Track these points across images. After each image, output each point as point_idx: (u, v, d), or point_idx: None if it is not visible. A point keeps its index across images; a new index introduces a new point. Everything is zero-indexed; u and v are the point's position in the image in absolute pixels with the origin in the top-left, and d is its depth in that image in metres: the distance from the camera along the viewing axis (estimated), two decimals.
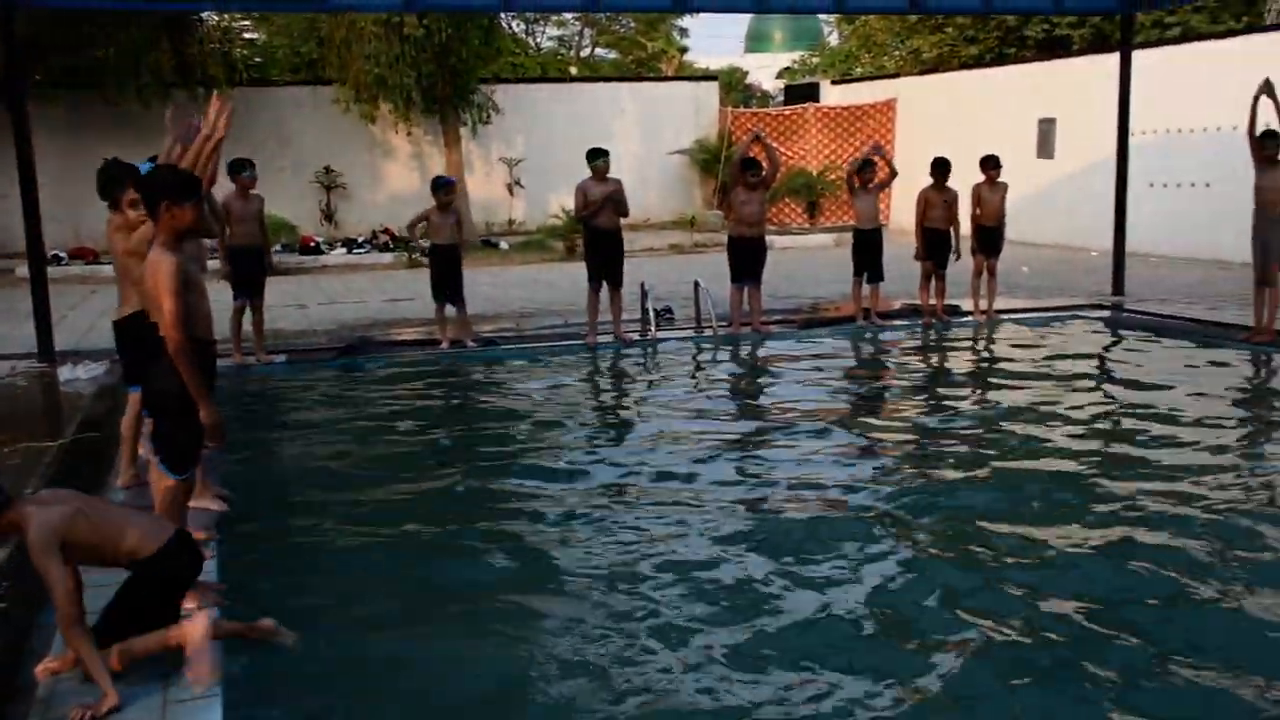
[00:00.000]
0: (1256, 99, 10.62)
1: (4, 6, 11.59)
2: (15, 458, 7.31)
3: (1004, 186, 12.81)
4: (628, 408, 9.50)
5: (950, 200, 12.53)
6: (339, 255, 21.89)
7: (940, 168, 12.50)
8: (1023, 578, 5.38)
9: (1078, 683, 4.38)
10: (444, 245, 11.48)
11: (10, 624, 4.82)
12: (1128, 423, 8.39)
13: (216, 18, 23.22)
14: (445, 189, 11.48)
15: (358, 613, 5.19)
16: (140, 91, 20.79)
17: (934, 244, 12.56)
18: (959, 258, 12.75)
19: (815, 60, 40.58)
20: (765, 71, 44.21)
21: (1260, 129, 10.60)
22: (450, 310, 11.58)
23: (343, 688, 4.54)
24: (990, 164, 12.66)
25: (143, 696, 4.06)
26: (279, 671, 4.57)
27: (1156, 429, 8.03)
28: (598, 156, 11.52)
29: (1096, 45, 22.18)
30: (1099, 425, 8.33)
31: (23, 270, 13.61)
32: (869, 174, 12.79)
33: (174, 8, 17.01)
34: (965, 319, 12.92)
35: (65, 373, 10.37)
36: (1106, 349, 11.63)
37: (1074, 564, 5.55)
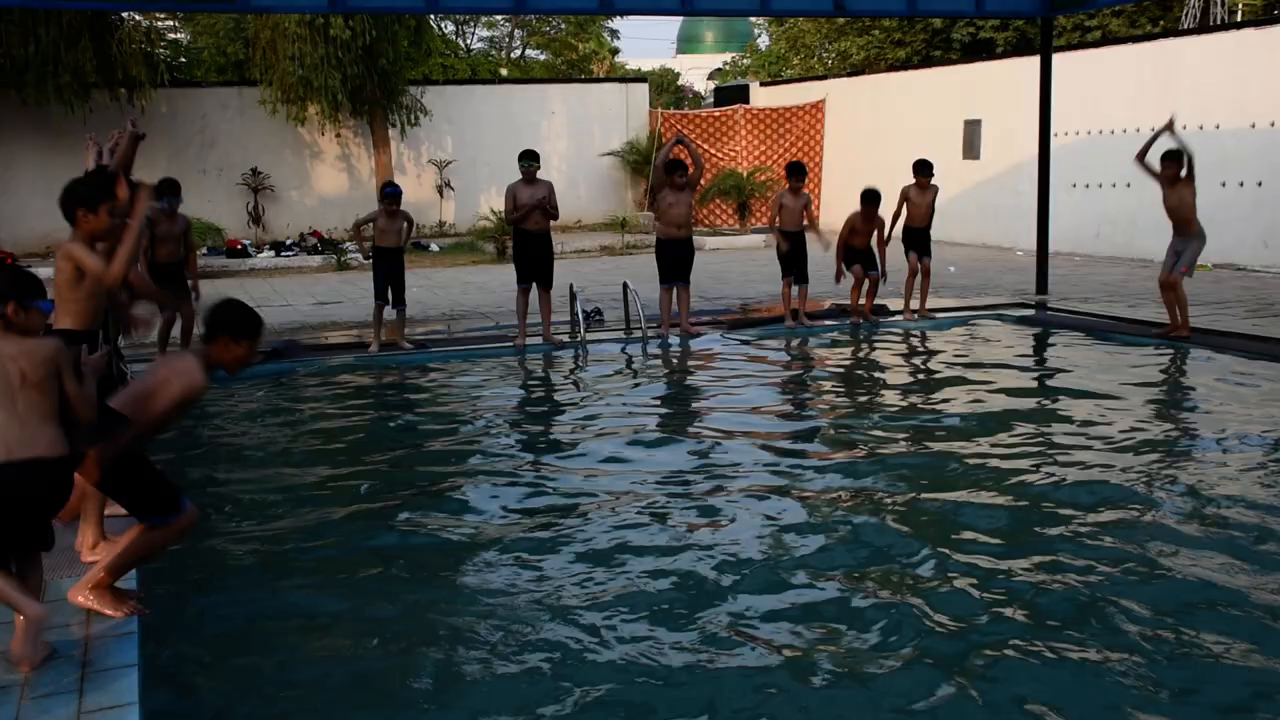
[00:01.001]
0: (1159, 134, 11.04)
1: None
2: None
3: (934, 190, 12.96)
4: (559, 409, 9.49)
5: (879, 227, 12.65)
6: (267, 258, 21.62)
7: (871, 200, 12.56)
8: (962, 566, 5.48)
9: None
10: (388, 249, 11.36)
11: None
12: (1045, 416, 8.55)
13: (139, 17, 22.79)
14: (391, 199, 11.35)
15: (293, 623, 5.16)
16: (60, 91, 20.36)
17: (855, 255, 12.67)
18: (886, 280, 12.90)
19: (746, 62, 40.90)
20: (697, 73, 44.51)
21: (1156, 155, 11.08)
22: (390, 314, 11.48)
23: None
24: (922, 169, 12.77)
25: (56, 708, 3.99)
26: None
27: (1075, 422, 8.21)
28: (528, 159, 11.47)
29: (1020, 48, 22.60)
30: (1018, 420, 8.48)
31: None
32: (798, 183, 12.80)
33: (91, 7, 16.65)
34: (894, 318, 13.06)
35: None
36: (1030, 347, 11.83)
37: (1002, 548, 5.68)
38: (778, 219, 12.66)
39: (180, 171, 23.65)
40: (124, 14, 21.21)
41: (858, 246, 12.60)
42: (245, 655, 4.81)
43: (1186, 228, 11.01)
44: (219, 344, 4.67)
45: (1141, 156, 11.20)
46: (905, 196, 12.91)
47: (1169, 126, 11.10)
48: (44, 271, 13.87)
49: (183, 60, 27.14)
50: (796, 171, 12.51)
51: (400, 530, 6.25)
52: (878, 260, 12.70)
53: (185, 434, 8.15)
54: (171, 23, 26.64)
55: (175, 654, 4.79)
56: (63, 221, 5.32)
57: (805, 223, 12.63)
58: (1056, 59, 15.27)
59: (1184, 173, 10.85)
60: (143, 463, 4.70)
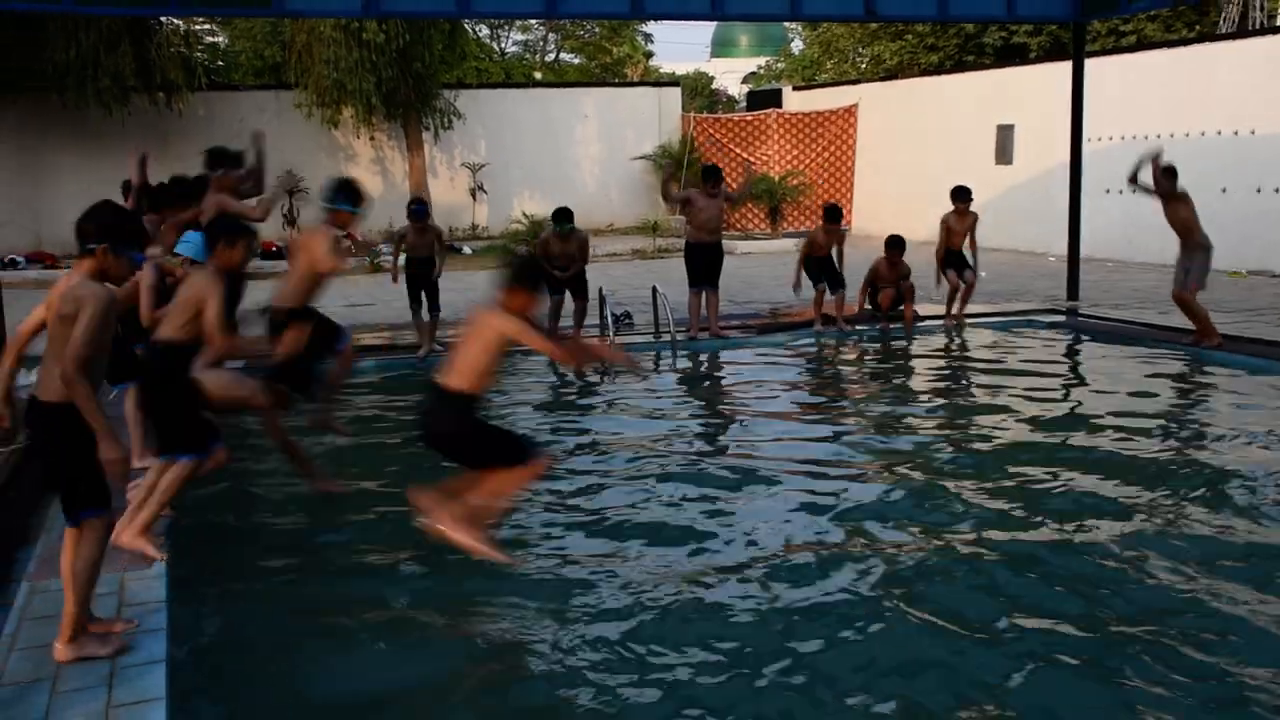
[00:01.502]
0: (1145, 159, 11.23)
1: None
2: None
3: (974, 216, 12.81)
4: (591, 411, 9.56)
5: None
6: None
7: (896, 246, 12.67)
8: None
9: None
10: (417, 259, 11.48)
11: None
12: (1075, 420, 8.55)
13: (177, 21, 23.11)
14: (417, 216, 11.45)
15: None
16: (100, 95, 20.66)
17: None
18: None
19: (780, 66, 40.87)
20: (731, 77, 44.51)
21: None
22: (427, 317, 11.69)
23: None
24: (960, 196, 12.66)
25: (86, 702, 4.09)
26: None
27: (1104, 425, 8.21)
28: (562, 220, 11.59)
29: (1053, 53, 22.47)
30: (1046, 422, 8.49)
31: None
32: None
33: (130, 12, 16.90)
34: (932, 322, 13.05)
35: (20, 379, 10.28)
36: (1061, 353, 11.79)
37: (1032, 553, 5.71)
38: (808, 249, 12.59)
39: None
40: (162, 18, 21.49)
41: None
42: (274, 661, 4.89)
43: (1190, 239, 11.04)
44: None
45: (1133, 179, 11.22)
46: (945, 225, 12.75)
47: (1156, 156, 11.08)
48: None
49: (220, 64, 27.45)
50: (833, 217, 12.39)
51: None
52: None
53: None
54: (209, 26, 26.96)
55: (203, 652, 4.88)
56: None
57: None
58: (1090, 63, 15.19)
59: (1178, 188, 10.86)
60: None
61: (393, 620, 5.19)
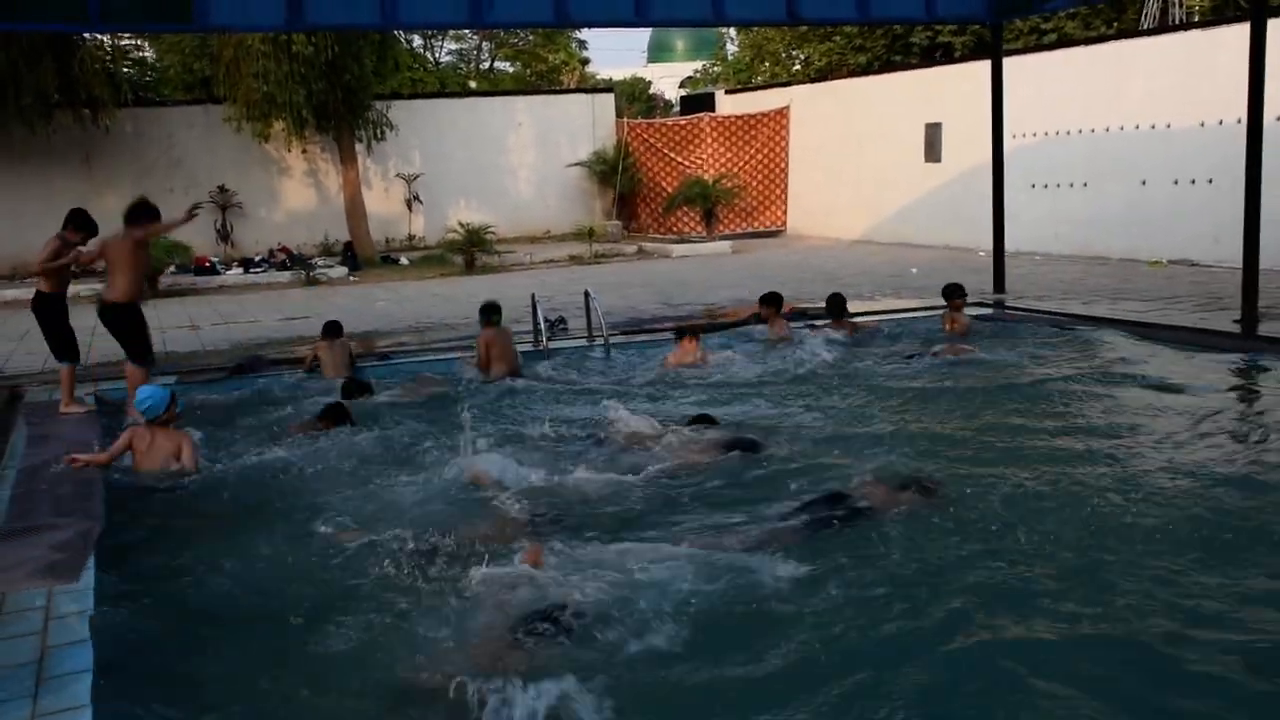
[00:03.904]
0: None
1: None
2: None
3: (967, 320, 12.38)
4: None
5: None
6: (236, 275, 21.67)
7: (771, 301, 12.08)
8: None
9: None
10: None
11: None
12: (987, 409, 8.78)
13: (101, 36, 22.85)
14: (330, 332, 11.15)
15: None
16: (23, 112, 20.35)
17: None
18: None
19: (716, 70, 41.16)
20: (669, 81, 44.71)
21: None
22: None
23: None
24: (955, 293, 12.26)
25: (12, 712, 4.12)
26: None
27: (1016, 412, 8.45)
28: (486, 313, 10.93)
29: (978, 51, 22.90)
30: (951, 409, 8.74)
31: None
32: None
33: (47, 29, 16.65)
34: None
35: None
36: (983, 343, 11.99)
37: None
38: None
39: (148, 190, 23.59)
40: (85, 34, 21.23)
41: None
42: (198, 669, 4.94)
43: None
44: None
45: None
46: (951, 320, 12.20)
47: None
48: (8, 293, 13.88)
49: (148, 79, 27.16)
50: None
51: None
52: None
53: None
54: (135, 41, 26.66)
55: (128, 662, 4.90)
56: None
57: None
58: (1013, 62, 15.56)
59: None
60: None
61: (318, 624, 5.24)
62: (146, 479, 7.41)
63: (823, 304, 12.68)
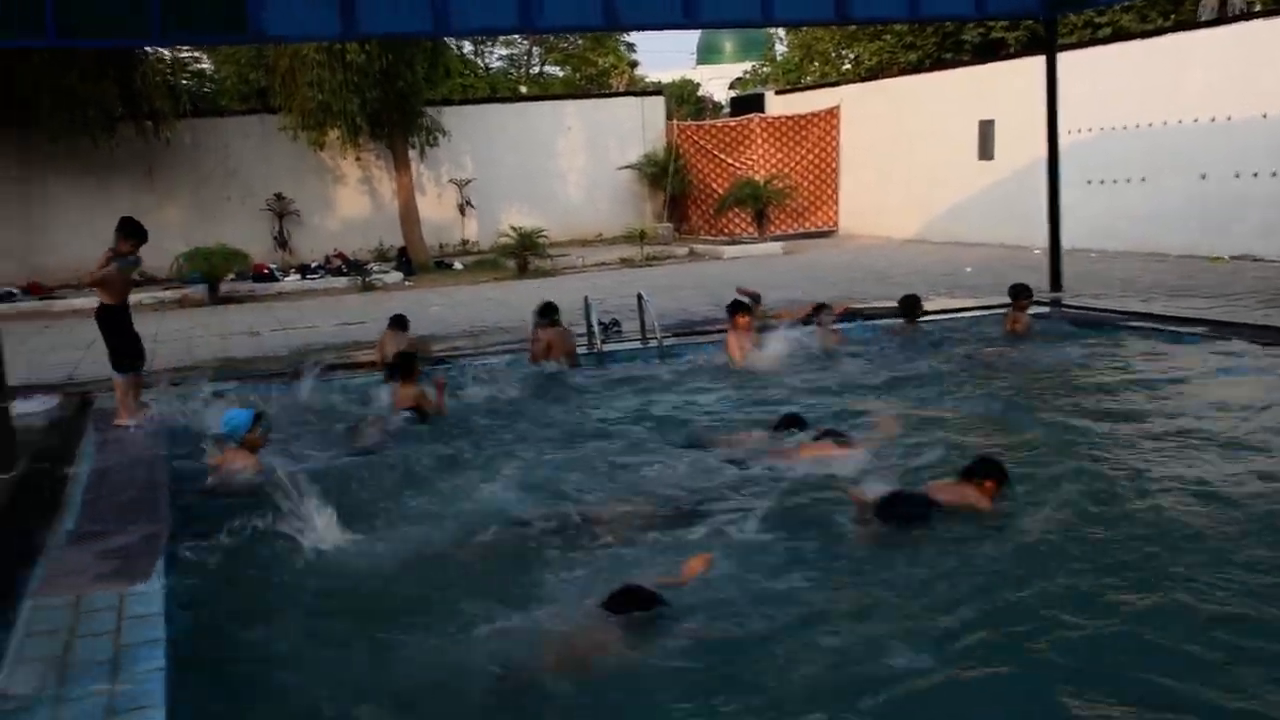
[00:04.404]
0: None
1: None
2: None
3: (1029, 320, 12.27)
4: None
5: None
6: (293, 281, 22.00)
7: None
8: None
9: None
10: None
11: None
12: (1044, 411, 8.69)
13: (162, 50, 23.28)
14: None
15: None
16: (87, 126, 20.81)
17: None
18: None
19: (765, 70, 41.07)
20: (718, 83, 44.64)
21: None
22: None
23: None
24: (1020, 293, 12.18)
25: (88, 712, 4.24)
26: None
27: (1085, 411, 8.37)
28: (543, 314, 11.25)
29: (1031, 47, 22.65)
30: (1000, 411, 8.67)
31: None
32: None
33: (111, 44, 17.03)
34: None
35: (18, 407, 10.44)
36: (1042, 345, 11.88)
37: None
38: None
39: (206, 199, 24.27)
40: (147, 48, 21.64)
41: None
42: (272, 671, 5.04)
43: None
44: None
45: None
46: (1014, 320, 12.16)
47: None
48: (75, 302, 14.11)
49: (206, 90, 27.61)
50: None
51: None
52: None
53: None
54: (194, 54, 27.13)
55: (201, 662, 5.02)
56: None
57: None
58: (1067, 56, 15.39)
59: None
60: None
61: (396, 623, 5.34)
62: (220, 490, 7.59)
63: (877, 304, 12.66)
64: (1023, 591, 5.30)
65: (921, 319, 12.31)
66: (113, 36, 12.56)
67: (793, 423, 8.13)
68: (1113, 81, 18.99)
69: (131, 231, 9.40)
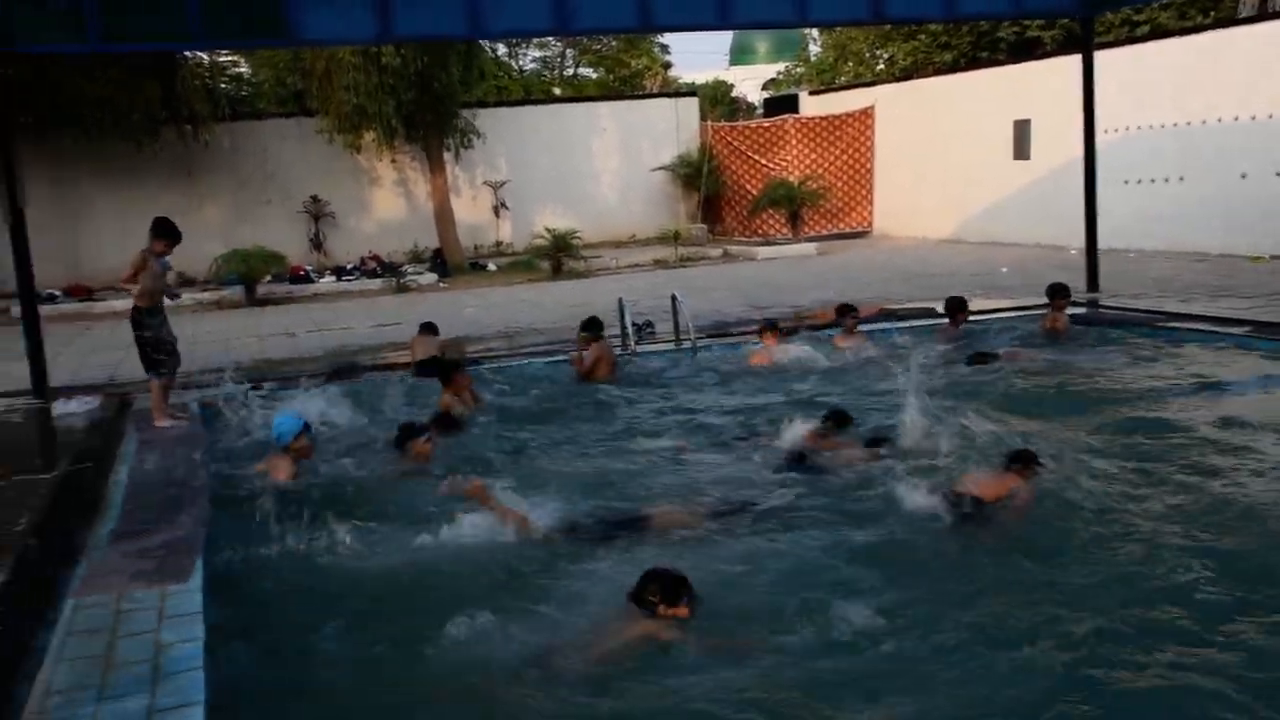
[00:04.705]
0: None
1: None
2: (10, 490, 7.55)
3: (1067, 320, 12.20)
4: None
5: None
6: (329, 283, 22.17)
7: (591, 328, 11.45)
8: None
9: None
10: None
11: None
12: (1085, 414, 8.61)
13: (201, 54, 23.53)
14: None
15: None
16: (129, 130, 21.09)
17: None
18: None
19: (799, 71, 40.94)
20: (751, 83, 44.52)
21: None
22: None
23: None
24: (1058, 293, 12.10)
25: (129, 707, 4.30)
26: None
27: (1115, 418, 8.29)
28: (588, 329, 11.20)
29: (1067, 46, 22.47)
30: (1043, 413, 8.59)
31: (17, 310, 13.86)
32: None
33: (152, 48, 17.26)
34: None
35: (59, 407, 10.61)
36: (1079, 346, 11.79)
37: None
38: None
39: (244, 201, 24.50)
40: (186, 52, 21.88)
41: None
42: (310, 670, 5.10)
43: None
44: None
45: None
46: (1053, 321, 12.07)
47: None
48: (116, 304, 14.24)
49: (244, 94, 27.87)
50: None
51: None
52: None
53: None
54: (232, 58, 27.38)
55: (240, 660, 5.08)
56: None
57: None
58: (1103, 55, 15.25)
59: None
60: None
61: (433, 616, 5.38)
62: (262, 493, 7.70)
63: (911, 305, 12.62)
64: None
65: (966, 322, 12.19)
66: (153, 41, 12.73)
67: (839, 419, 8.07)
68: (1150, 80, 18.80)
69: (165, 231, 9.36)
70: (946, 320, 12.18)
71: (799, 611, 5.23)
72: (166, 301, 9.84)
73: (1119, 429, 8.08)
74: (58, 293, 20.96)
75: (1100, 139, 15.07)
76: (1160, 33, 21.53)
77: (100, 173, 22.84)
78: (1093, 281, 14.77)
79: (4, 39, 11.35)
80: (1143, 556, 5.70)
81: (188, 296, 19.46)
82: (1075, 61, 15.09)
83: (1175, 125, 18.54)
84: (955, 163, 23.47)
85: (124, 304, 17.23)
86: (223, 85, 25.23)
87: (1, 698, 4.42)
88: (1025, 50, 25.73)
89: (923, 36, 29.02)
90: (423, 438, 8.02)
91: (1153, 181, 19.15)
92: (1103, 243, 15.23)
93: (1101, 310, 13.33)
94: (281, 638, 5.37)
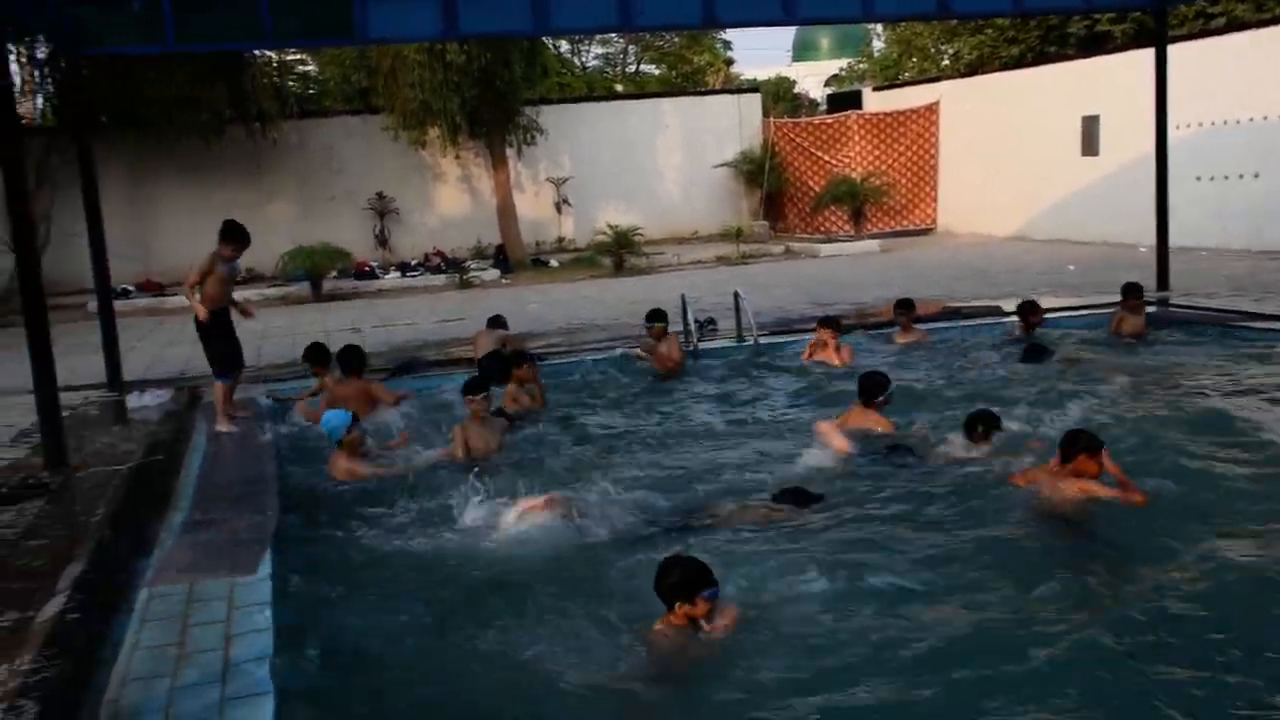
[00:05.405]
0: None
1: (70, 55, 12.08)
2: (87, 482, 7.74)
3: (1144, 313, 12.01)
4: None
5: None
6: (393, 279, 22.41)
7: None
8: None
9: None
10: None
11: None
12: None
13: (269, 53, 23.90)
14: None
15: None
16: (199, 128, 21.50)
17: None
18: None
19: (862, 67, 40.62)
20: (813, 80, 44.27)
21: None
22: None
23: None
24: (1130, 292, 11.90)
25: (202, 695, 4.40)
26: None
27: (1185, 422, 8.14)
28: (655, 319, 11.28)
29: (1138, 40, 22.08)
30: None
31: (94, 305, 14.20)
32: None
33: (224, 48, 17.57)
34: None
35: (133, 400, 10.85)
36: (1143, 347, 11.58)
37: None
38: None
39: (310, 198, 24.84)
40: (255, 51, 22.22)
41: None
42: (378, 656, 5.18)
43: None
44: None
45: None
46: (1120, 319, 11.87)
47: None
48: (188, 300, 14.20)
49: (310, 91, 28.25)
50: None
51: None
52: None
53: None
54: (299, 56, 27.77)
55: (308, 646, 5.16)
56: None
57: None
58: (1175, 49, 14.92)
59: None
60: None
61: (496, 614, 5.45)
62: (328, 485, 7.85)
63: (976, 303, 12.49)
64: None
65: (1040, 325, 11.95)
66: (226, 40, 12.97)
67: (985, 421, 7.57)
68: (1223, 74, 18.40)
69: (234, 235, 9.14)
70: (1016, 319, 12.01)
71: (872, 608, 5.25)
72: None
73: (1193, 429, 7.92)
74: (131, 288, 21.40)
75: (1172, 135, 14.78)
76: (1236, 25, 21.05)
77: (170, 171, 23.29)
78: (1163, 280, 14.50)
79: (86, 41, 11.66)
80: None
81: (254, 292, 19.80)
82: (1146, 56, 14.82)
83: (1250, 120, 18.15)
84: (1022, 159, 23.15)
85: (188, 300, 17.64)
86: (290, 83, 25.58)
87: (83, 684, 4.54)
88: (1095, 45, 25.30)
89: (989, 31, 28.65)
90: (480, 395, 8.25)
91: (1225, 178, 18.76)
92: (1174, 241, 14.94)
93: (1172, 309, 13.10)
94: (349, 628, 5.44)
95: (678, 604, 4.79)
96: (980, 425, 7.48)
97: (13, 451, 8.83)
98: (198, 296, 9.09)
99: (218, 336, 9.35)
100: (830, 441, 7.81)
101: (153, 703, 4.33)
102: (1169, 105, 14.42)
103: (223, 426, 9.20)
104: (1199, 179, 18.81)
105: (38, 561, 6.00)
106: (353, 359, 9.63)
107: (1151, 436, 7.73)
